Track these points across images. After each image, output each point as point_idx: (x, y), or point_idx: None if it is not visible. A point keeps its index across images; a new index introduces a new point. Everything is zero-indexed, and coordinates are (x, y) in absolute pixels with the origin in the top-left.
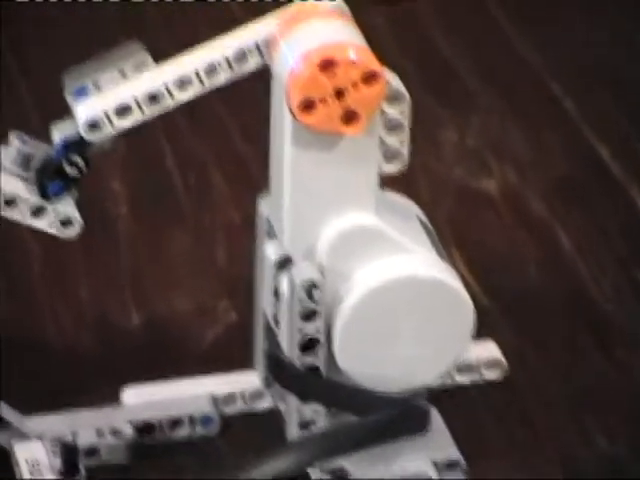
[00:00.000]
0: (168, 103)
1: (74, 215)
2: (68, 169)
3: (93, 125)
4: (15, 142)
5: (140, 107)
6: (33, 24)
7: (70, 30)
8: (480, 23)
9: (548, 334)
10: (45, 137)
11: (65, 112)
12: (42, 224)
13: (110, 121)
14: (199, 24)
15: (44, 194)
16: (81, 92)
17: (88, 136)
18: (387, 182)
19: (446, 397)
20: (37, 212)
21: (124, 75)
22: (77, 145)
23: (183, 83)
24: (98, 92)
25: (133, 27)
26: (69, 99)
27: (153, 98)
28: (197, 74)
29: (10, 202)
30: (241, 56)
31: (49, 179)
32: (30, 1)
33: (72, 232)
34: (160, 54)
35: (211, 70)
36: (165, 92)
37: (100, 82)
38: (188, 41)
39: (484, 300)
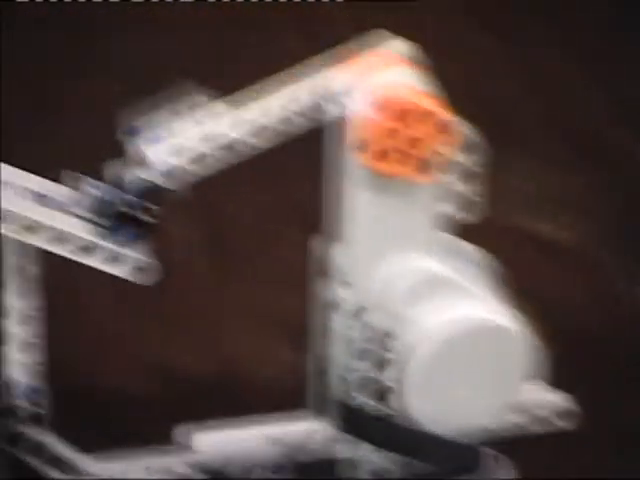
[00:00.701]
0: (242, 151)
1: (146, 260)
2: (141, 215)
3: (167, 172)
4: (88, 188)
5: (214, 155)
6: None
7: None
8: (543, 64)
9: (607, 382)
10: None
11: (139, 159)
12: (115, 270)
13: (184, 168)
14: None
15: (117, 240)
16: (155, 140)
17: (161, 183)
18: (455, 229)
19: (508, 443)
20: (111, 258)
21: (199, 123)
22: (150, 191)
23: (257, 132)
24: (172, 140)
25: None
26: (143, 147)
27: (227, 146)
28: (272, 123)
29: (85, 248)
30: (315, 105)
31: (122, 225)
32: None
33: (145, 277)
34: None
35: (286, 119)
36: (239, 140)
37: (175, 130)
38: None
39: (544, 347)
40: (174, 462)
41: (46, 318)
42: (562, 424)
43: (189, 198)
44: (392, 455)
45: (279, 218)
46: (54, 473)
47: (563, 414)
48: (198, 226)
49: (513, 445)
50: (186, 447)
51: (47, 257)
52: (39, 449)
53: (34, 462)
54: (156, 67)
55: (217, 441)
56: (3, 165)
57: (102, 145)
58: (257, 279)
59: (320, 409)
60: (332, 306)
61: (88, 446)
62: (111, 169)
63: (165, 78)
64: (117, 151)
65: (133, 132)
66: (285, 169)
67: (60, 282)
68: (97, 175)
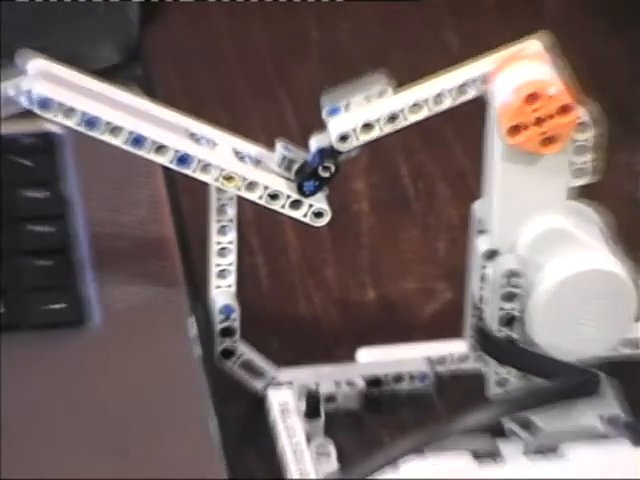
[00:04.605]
0: (402, 123)
1: (325, 208)
2: (322, 172)
3: (343, 137)
4: (281, 149)
5: (380, 125)
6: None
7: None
8: None
9: None
10: (304, 146)
11: (321, 127)
12: (298, 214)
13: (356, 135)
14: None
15: (301, 191)
16: (335, 111)
17: (338, 146)
18: (573, 193)
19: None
20: (295, 205)
21: (369, 100)
22: (329, 153)
23: (415, 108)
24: (348, 112)
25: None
26: (325, 116)
27: (391, 118)
28: (426, 101)
29: (274, 196)
30: (463, 88)
31: (306, 179)
32: None
33: (322, 222)
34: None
35: (438, 99)
36: (400, 114)
37: (350, 104)
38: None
39: None
40: (352, 374)
41: (239, 250)
42: None
43: (369, 161)
44: (513, 370)
45: (445, 182)
46: (244, 375)
47: None
48: (377, 184)
49: (623, 369)
50: (360, 363)
51: (241, 201)
52: (233, 355)
53: (229, 367)
54: (351, 58)
55: (377, 354)
56: (215, 130)
57: (309, 123)
58: (426, 232)
59: (470, 335)
60: (473, 250)
61: (283, 360)
62: (312, 140)
63: (359, 68)
64: (321, 127)
65: (334, 112)
66: (452, 142)
67: (251, 221)
68: (304, 145)
